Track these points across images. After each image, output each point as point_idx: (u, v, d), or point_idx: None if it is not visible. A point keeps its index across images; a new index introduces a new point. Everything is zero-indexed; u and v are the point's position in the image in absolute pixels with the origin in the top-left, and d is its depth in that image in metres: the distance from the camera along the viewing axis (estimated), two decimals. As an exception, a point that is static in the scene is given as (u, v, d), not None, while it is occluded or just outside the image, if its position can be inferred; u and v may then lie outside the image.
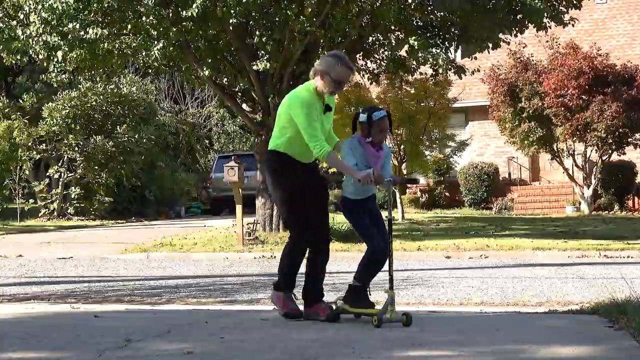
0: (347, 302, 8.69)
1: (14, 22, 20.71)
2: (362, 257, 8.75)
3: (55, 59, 20.93)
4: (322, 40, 22.19)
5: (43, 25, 19.90)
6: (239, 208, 21.52)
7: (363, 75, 26.13)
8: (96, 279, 15.21)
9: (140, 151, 35.58)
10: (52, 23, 19.83)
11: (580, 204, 34.49)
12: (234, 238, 21.55)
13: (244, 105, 23.52)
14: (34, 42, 20.44)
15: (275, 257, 19.01)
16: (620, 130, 31.66)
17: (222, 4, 19.26)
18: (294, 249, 8.93)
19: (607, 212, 34.10)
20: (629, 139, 32.33)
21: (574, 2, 22.46)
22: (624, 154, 33.63)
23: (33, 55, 21.51)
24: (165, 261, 18.87)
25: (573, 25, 24.09)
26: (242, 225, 21.32)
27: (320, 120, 8.48)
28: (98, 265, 18.02)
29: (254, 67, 20.96)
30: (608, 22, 39.46)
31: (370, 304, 8.66)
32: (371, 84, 27.85)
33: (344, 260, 18.04)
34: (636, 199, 35.43)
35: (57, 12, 19.43)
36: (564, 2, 22.32)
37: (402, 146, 30.61)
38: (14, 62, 22.77)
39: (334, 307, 8.79)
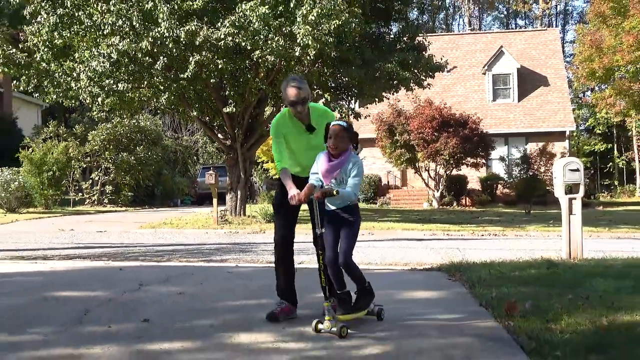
0: None
1: (69, 79, 20.45)
2: None
3: (97, 103, 20.69)
4: (269, 94, 22.17)
5: (89, 81, 19.68)
6: (215, 201, 21.43)
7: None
8: (121, 245, 15.07)
9: (151, 163, 35.47)
10: (95, 79, 19.61)
11: (432, 201, 34.78)
12: (211, 220, 21.43)
13: (219, 135, 23.41)
14: (82, 92, 20.20)
15: (238, 232, 19.01)
16: (458, 155, 31.99)
17: (206, 70, 19.18)
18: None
19: (449, 207, 34.46)
20: (463, 161, 32.65)
21: (430, 74, 22.71)
22: (460, 170, 33.99)
23: (82, 100, 21.25)
24: (166, 234, 18.71)
25: (429, 88, 24.35)
26: (217, 212, 21.22)
27: (295, 139, 6.16)
28: (123, 236, 17.84)
29: (225, 110, 20.85)
30: (451, 87, 39.89)
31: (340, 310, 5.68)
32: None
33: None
34: (467, 198, 35.82)
35: (98, 72, 19.23)
36: (424, 74, 22.57)
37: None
38: (70, 104, 22.48)
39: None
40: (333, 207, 5.80)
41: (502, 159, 37.08)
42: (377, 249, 14.03)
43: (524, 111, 38.68)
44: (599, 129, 59.75)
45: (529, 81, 39.79)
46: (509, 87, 39.52)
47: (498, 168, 37.51)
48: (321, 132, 5.92)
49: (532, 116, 38.32)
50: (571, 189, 10.34)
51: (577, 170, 10.25)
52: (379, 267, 10.26)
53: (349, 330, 5.44)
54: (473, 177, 36.13)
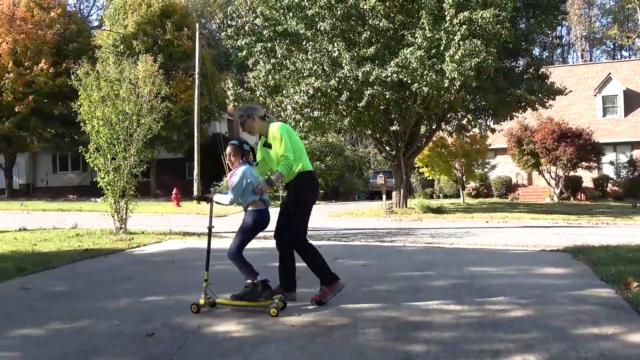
0: None
1: (279, 108, 21.04)
2: None
3: (298, 126, 21.23)
4: (424, 116, 21.86)
5: (293, 110, 20.25)
6: (384, 196, 21.44)
7: (444, 132, 25.57)
8: (317, 229, 15.32)
9: (336, 169, 36.07)
10: (297, 109, 20.15)
11: (553, 197, 32.92)
12: (382, 210, 21.42)
13: (387, 147, 23.35)
14: (288, 118, 20.79)
15: (401, 220, 18.79)
16: (574, 160, 30.21)
17: (377, 100, 19.20)
18: None
19: (567, 201, 32.51)
20: (578, 165, 30.80)
21: (552, 97, 21.59)
22: (576, 171, 32.00)
23: (288, 124, 21.83)
24: (348, 221, 18.86)
25: (550, 107, 23.22)
26: (386, 205, 21.19)
27: (262, 152, 5.42)
28: (317, 222, 18.13)
29: (391, 129, 20.81)
30: (568, 106, 37.53)
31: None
32: (449, 136, 27.19)
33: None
34: (582, 194, 33.63)
35: (299, 104, 19.75)
36: (546, 97, 21.45)
37: (463, 167, 29.94)
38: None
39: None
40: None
41: (611, 163, 34.75)
42: (510, 234, 13.46)
43: (630, 124, 35.81)
44: (695, 138, 55.09)
45: (633, 100, 36.80)
46: (616, 105, 36.79)
47: (608, 170, 35.04)
48: (274, 147, 5.30)
49: (637, 128, 35.42)
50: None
51: (682, 171, 9.34)
52: (514, 248, 9.82)
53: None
54: (587, 177, 33.88)
